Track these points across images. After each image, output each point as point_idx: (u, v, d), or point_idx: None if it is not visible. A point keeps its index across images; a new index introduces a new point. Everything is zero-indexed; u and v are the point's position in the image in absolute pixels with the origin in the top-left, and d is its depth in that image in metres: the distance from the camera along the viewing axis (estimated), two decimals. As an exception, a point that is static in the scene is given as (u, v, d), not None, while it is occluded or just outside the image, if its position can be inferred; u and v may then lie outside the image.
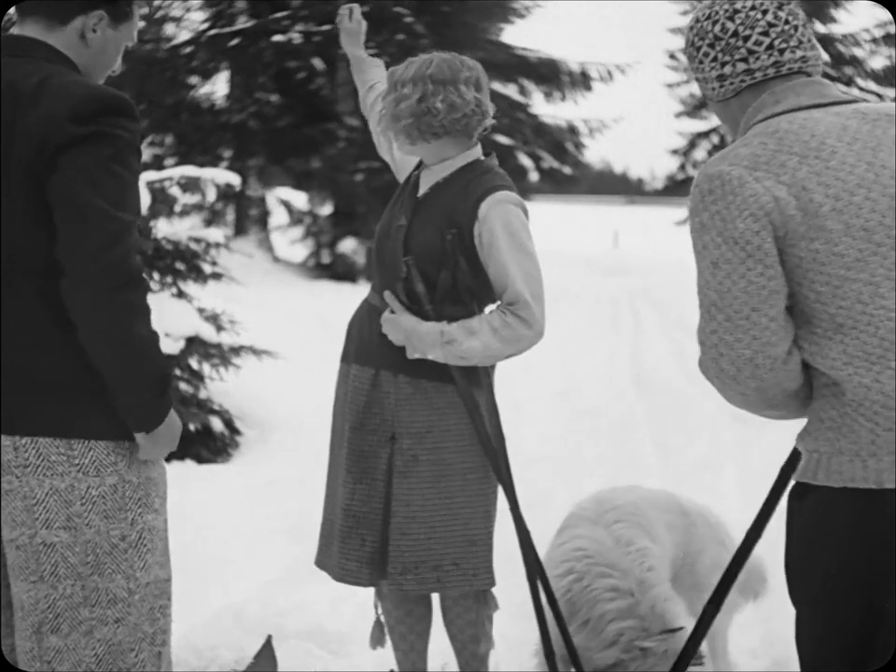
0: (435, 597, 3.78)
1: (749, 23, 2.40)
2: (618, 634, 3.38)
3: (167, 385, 2.48)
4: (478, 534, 3.52)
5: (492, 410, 3.50)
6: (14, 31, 2.58)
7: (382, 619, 3.78)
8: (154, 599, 2.57)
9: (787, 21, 2.42)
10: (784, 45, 2.41)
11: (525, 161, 23.26)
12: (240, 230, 20.28)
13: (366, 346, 3.56)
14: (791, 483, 2.41)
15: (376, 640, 3.81)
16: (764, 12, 2.41)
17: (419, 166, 3.61)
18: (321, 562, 3.70)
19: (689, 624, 3.38)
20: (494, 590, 3.70)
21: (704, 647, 3.40)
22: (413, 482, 3.49)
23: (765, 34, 2.41)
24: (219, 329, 7.61)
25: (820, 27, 31.49)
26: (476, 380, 3.48)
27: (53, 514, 2.46)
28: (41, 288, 2.44)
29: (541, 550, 3.56)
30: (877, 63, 30.34)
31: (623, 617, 3.38)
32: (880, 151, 2.30)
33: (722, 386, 2.33)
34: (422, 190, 3.53)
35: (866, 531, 2.24)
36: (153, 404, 2.47)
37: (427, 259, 3.42)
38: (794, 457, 2.83)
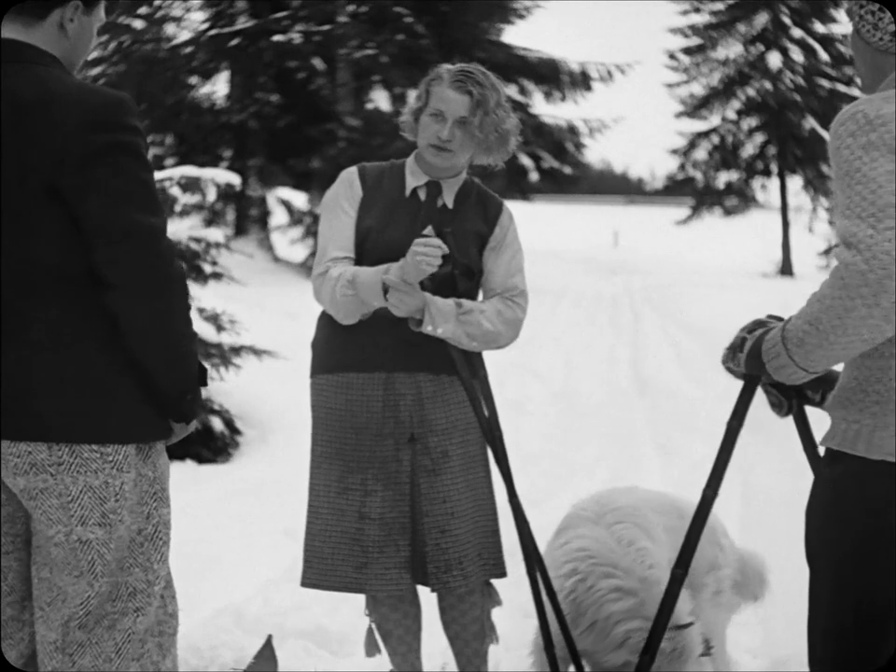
0: (428, 598, 3.78)
1: None
2: (626, 635, 3.37)
3: (203, 379, 2.61)
4: (494, 523, 3.63)
5: (489, 400, 3.53)
6: None
7: (374, 626, 3.77)
8: (165, 590, 2.62)
9: None
10: None
11: (526, 160, 23.29)
12: (240, 230, 20.29)
13: (377, 352, 3.53)
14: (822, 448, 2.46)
15: (373, 647, 3.79)
16: None
17: (398, 175, 3.61)
18: (324, 580, 3.59)
19: (692, 620, 3.39)
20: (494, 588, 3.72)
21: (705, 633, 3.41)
22: (445, 478, 3.53)
23: None
24: (219, 329, 7.61)
25: (820, 27, 31.50)
26: (474, 370, 3.53)
27: (88, 511, 2.48)
28: (75, 298, 2.46)
29: (540, 549, 3.56)
30: (877, 63, 30.32)
31: (630, 618, 3.38)
32: None
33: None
34: (446, 201, 3.59)
35: None
36: (195, 397, 2.59)
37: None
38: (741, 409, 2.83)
